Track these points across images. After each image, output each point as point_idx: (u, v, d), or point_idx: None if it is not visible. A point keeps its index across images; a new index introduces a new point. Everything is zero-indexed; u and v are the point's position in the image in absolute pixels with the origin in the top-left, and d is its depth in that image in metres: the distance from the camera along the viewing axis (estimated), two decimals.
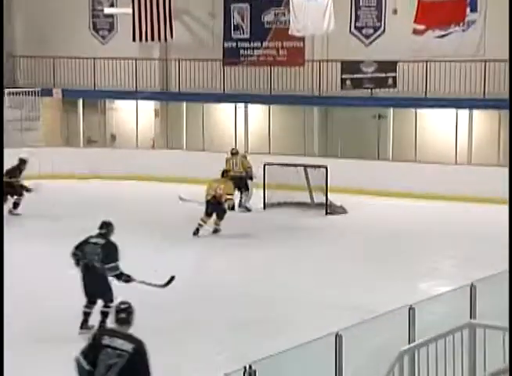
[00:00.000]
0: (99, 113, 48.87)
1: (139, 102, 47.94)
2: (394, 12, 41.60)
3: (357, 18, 43.23)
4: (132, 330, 13.98)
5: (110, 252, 21.39)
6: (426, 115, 42.00)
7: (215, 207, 32.14)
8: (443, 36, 38.88)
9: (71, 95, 48.02)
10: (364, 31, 43.27)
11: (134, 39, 45.31)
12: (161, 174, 41.50)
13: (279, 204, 36.89)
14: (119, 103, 48.98)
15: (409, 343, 13.55)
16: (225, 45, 46.08)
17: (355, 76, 42.57)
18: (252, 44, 45.55)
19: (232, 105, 45.78)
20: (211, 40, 46.28)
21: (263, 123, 45.54)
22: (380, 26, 42.79)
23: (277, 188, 37.13)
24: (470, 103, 39.96)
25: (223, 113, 46.84)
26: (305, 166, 37.28)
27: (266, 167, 37.48)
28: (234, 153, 37.75)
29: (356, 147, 41.31)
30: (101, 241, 21.45)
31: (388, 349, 13.03)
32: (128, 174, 41.99)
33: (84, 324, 20.78)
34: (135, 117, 48.30)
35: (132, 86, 46.98)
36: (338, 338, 12.53)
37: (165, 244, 30.16)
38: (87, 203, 36.74)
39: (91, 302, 21.24)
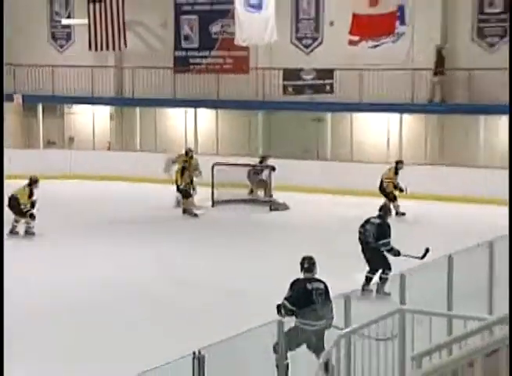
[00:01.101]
0: (58, 117, 48.96)
1: (96, 106, 48.19)
2: (331, 24, 42.13)
3: (297, 29, 43.76)
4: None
5: (383, 231, 23.43)
6: (361, 118, 42.48)
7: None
8: (375, 46, 39.47)
9: (31, 100, 47.94)
10: (304, 42, 43.80)
11: (90, 48, 45.70)
12: (117, 174, 41.60)
13: (227, 202, 36.87)
14: (77, 108, 49.01)
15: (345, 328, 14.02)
16: (176, 53, 46.52)
17: (296, 83, 43.12)
18: (200, 53, 46.01)
19: (183, 109, 46.08)
20: (163, 49, 46.57)
21: (211, 126, 45.86)
22: (318, 37, 43.32)
23: (224, 186, 37.32)
24: (401, 108, 40.65)
25: (174, 117, 47.01)
26: (253, 166, 37.93)
27: (215, 167, 37.61)
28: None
29: (297, 148, 41.59)
30: (377, 221, 23.73)
31: (326, 335, 13.74)
32: (85, 174, 42.11)
33: (366, 287, 22.38)
34: (91, 121, 48.52)
35: (89, 92, 47.10)
36: (280, 324, 12.89)
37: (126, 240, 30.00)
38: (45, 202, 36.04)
39: (372, 270, 23.15)
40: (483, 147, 39.66)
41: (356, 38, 38.86)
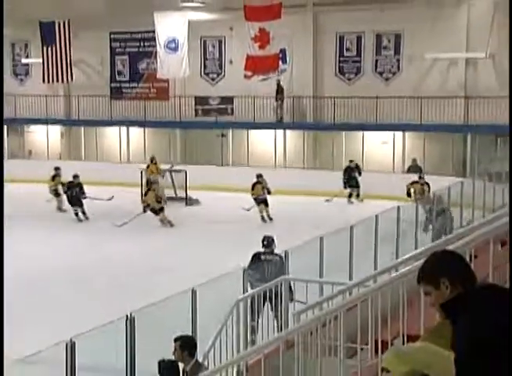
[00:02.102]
0: (20, 135, 48.61)
1: (49, 126, 47.67)
2: (231, 62, 42.37)
3: (205, 66, 43.97)
4: None
5: None
6: (254, 134, 42.52)
7: None
8: (264, 79, 39.37)
9: None
10: (210, 75, 44.01)
11: (43, 81, 45.14)
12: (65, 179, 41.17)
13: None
14: (34, 128, 48.54)
15: (243, 294, 14.22)
16: (112, 85, 46.34)
17: (205, 107, 43.34)
18: (131, 84, 45.89)
19: (117, 128, 45.84)
20: (101, 81, 46.27)
21: (140, 141, 45.48)
22: (221, 72, 43.62)
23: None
24: (284, 126, 41.05)
25: (111, 134, 46.62)
26: (170, 170, 37.99)
27: (144, 173, 37.78)
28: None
29: (207, 157, 41.47)
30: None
31: (227, 300, 13.91)
32: (40, 178, 41.76)
33: None
34: (45, 138, 48.18)
35: (44, 115, 46.68)
36: (193, 293, 12.93)
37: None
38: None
39: None
40: (344, 155, 40.20)
41: (250, 73, 39.03)
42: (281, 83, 40.84)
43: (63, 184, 34.21)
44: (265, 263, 15.79)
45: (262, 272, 15.49)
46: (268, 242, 16.63)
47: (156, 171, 37.16)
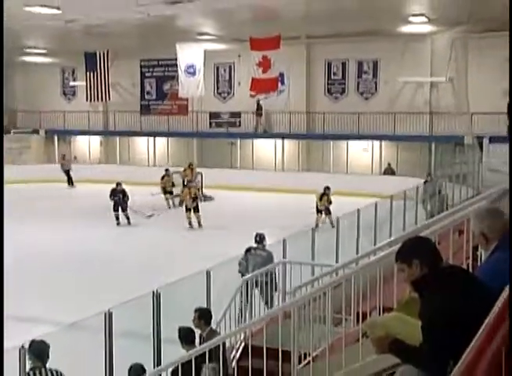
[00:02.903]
0: (68, 143, 48.65)
1: (91, 136, 47.97)
2: (239, 84, 42.28)
3: (218, 87, 44.04)
4: None
5: None
6: (259, 143, 42.56)
7: None
8: (266, 98, 39.53)
9: (50, 133, 47.68)
10: (222, 94, 44.04)
11: (87, 100, 45.37)
12: (108, 179, 41.09)
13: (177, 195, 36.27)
14: (78, 138, 48.66)
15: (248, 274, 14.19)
16: (141, 102, 46.36)
17: (217, 120, 43.24)
18: (157, 102, 45.87)
19: (146, 138, 45.85)
20: (133, 100, 46.29)
21: (164, 148, 45.58)
22: (231, 92, 43.71)
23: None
24: (283, 135, 40.92)
25: (141, 143, 46.64)
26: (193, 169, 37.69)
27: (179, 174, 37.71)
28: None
29: (219, 161, 41.29)
30: None
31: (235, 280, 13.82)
32: (83, 178, 41.70)
33: None
34: (87, 146, 48.35)
35: (86, 127, 46.84)
36: (208, 274, 12.71)
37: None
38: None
39: None
40: (332, 160, 40.33)
41: (254, 93, 39.07)
42: (260, 102, 41.14)
43: (173, 184, 34.47)
44: (255, 256, 15.62)
45: (251, 264, 15.39)
46: (260, 238, 16.35)
47: (190, 174, 36.94)
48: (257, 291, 13.90)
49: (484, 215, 6.08)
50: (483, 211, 6.37)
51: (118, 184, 30.17)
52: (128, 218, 29.43)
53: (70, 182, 41.48)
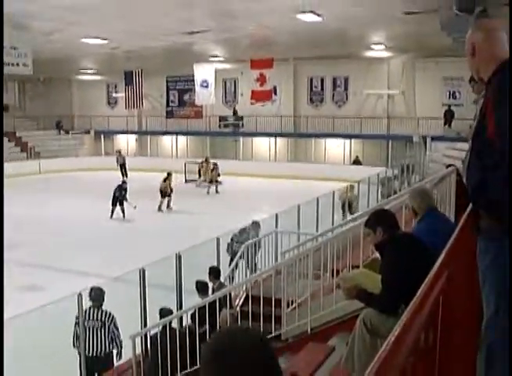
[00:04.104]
0: (111, 140, 48.58)
1: (128, 135, 47.95)
2: (241, 94, 42.24)
3: (225, 97, 43.87)
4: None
5: None
6: (257, 140, 42.33)
7: None
8: (263, 105, 39.24)
9: (98, 133, 47.65)
10: (228, 103, 43.83)
11: (125, 107, 45.19)
12: (137, 167, 41.37)
13: (192, 181, 36.75)
14: (119, 136, 48.53)
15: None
16: (167, 109, 46.16)
17: (225, 123, 42.94)
18: (179, 108, 45.75)
19: (170, 136, 45.69)
20: (160, 107, 46.26)
21: (184, 144, 45.54)
22: (235, 100, 43.51)
23: (191, 173, 37.62)
24: (275, 134, 40.91)
25: (166, 141, 46.44)
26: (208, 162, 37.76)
27: (187, 164, 38.21)
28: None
29: (226, 154, 41.43)
30: None
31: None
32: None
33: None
34: (126, 142, 48.16)
35: (125, 128, 47.06)
36: (217, 240, 12.62)
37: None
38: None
39: None
40: (313, 153, 40.38)
41: (253, 101, 38.88)
42: (236, 108, 42.63)
43: (171, 189, 29.69)
44: (245, 234, 15.43)
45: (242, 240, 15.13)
46: (256, 224, 15.85)
47: (206, 166, 36.83)
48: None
49: (415, 196, 6.32)
50: (415, 192, 6.55)
51: (124, 182, 27.85)
52: (123, 212, 25.95)
53: (124, 174, 39.18)
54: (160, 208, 27.74)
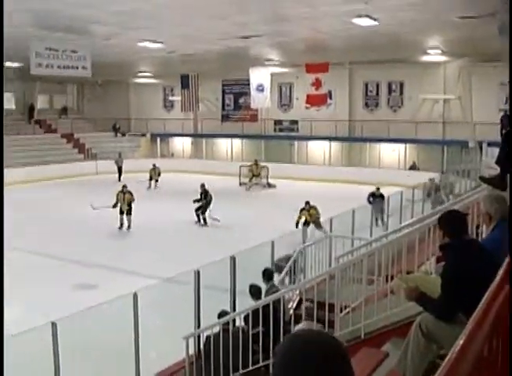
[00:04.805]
0: (167, 143, 48.99)
1: (184, 138, 48.23)
2: (297, 98, 42.18)
3: (280, 100, 43.82)
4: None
5: None
6: (312, 143, 42.16)
7: None
8: (318, 110, 39.18)
9: (154, 135, 48.11)
10: (283, 106, 43.80)
11: (182, 111, 45.48)
12: (194, 170, 41.56)
13: (246, 183, 36.92)
14: (175, 139, 48.91)
15: (303, 243, 14.20)
16: (222, 112, 46.21)
17: (280, 126, 43.19)
18: (234, 112, 45.78)
19: (225, 139, 45.89)
20: (216, 110, 46.34)
21: (239, 148, 45.72)
22: (291, 104, 43.48)
23: (245, 176, 37.68)
24: (330, 138, 40.55)
25: (221, 144, 46.65)
26: (258, 165, 37.97)
27: (241, 167, 38.30)
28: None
29: (281, 158, 41.14)
30: None
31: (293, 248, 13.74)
32: (179, 169, 42.05)
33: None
34: (182, 145, 48.68)
35: (181, 131, 47.40)
36: (272, 244, 12.64)
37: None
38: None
39: None
40: (368, 158, 40.12)
41: (308, 105, 38.76)
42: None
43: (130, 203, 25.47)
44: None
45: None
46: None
47: (256, 169, 37.43)
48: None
49: (493, 201, 6.15)
50: (493, 197, 6.38)
51: (124, 186, 25.48)
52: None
53: (119, 176, 39.19)
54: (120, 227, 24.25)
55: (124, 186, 24.92)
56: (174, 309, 11.53)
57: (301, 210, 20.79)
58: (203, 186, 26.42)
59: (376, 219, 21.67)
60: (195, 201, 25.68)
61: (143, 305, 9.82)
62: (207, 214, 25.33)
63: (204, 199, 25.78)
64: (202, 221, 25.23)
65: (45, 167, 39.68)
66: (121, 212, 24.11)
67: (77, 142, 46.31)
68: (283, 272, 12.63)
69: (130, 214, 24.03)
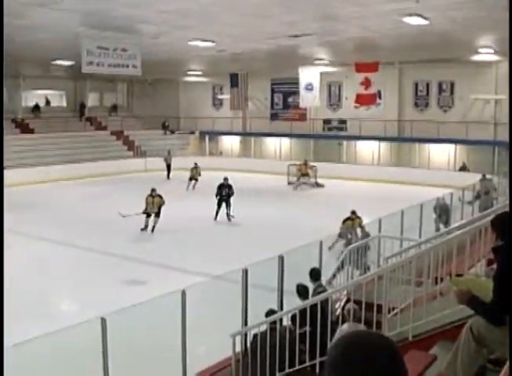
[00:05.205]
0: (216, 142, 49.24)
1: (232, 136, 48.46)
2: (346, 98, 41.98)
3: (330, 100, 43.59)
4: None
5: None
6: (361, 143, 41.89)
7: None
8: (367, 109, 39.23)
9: (203, 133, 48.35)
10: (332, 106, 43.57)
11: (230, 109, 45.92)
12: (240, 169, 41.94)
13: (294, 183, 36.77)
14: (224, 137, 49.18)
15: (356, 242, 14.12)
16: (271, 111, 46.35)
17: (328, 126, 42.90)
18: (283, 111, 45.86)
19: (274, 138, 45.92)
20: (265, 109, 46.51)
21: (287, 147, 45.47)
22: (340, 104, 43.23)
23: (293, 175, 37.67)
24: (379, 138, 40.23)
25: (270, 143, 46.64)
26: (307, 165, 37.83)
27: (290, 167, 38.25)
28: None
29: (329, 157, 40.97)
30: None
31: (341, 249, 13.67)
32: (229, 168, 42.33)
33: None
34: (230, 143, 48.94)
35: (230, 129, 47.59)
36: (320, 244, 12.45)
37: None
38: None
39: None
40: (417, 158, 39.75)
41: (358, 105, 38.76)
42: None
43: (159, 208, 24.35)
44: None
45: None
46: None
47: (305, 168, 37.27)
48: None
49: None
50: None
51: (225, 178, 26.33)
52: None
53: (168, 174, 40.26)
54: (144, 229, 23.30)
55: (153, 190, 23.86)
56: (221, 307, 11.58)
57: (345, 220, 18.54)
58: (226, 179, 26.51)
59: (442, 219, 21.09)
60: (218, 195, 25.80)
61: (191, 302, 9.89)
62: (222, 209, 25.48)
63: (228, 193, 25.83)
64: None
65: (95, 164, 40.31)
66: (148, 215, 23.29)
67: (126, 139, 46.84)
68: (331, 273, 12.63)
69: (158, 216, 23.21)
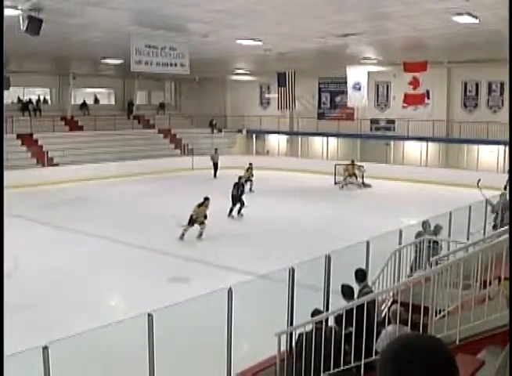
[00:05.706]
0: (263, 141, 49.26)
1: (280, 135, 48.37)
2: (394, 98, 41.61)
3: (377, 99, 43.24)
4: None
5: None
6: (408, 144, 41.46)
7: None
8: (415, 109, 38.89)
9: (250, 132, 48.50)
10: (380, 105, 43.16)
11: (278, 108, 45.61)
12: (289, 168, 41.79)
13: (341, 183, 36.75)
14: (270, 136, 49.09)
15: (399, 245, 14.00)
16: (318, 111, 46.23)
17: (376, 125, 42.73)
18: (330, 110, 45.73)
19: (321, 138, 45.79)
20: (312, 109, 46.40)
21: (334, 146, 45.30)
22: (387, 103, 42.78)
23: (339, 174, 37.66)
24: (427, 139, 39.88)
25: (317, 142, 46.46)
26: (354, 165, 37.75)
27: (336, 166, 38.19)
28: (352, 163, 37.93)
29: (376, 157, 40.77)
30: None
31: (387, 249, 13.60)
32: (272, 166, 42.47)
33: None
34: (277, 143, 48.82)
35: (277, 128, 47.60)
36: (367, 244, 12.40)
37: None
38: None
39: None
40: (466, 159, 39.28)
41: (406, 105, 38.49)
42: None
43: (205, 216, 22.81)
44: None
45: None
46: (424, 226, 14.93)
47: (352, 169, 37.28)
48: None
49: None
50: None
51: (240, 178, 27.23)
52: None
53: (215, 172, 40.60)
54: (181, 237, 21.85)
55: (206, 199, 22.52)
56: (266, 306, 11.59)
57: None
58: (240, 178, 27.44)
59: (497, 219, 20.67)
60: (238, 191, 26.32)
61: (236, 299, 9.92)
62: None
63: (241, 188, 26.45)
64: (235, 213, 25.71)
65: (143, 161, 40.69)
66: (192, 223, 22.00)
67: (173, 137, 47.24)
68: (377, 274, 12.53)
69: (203, 223, 21.99)
